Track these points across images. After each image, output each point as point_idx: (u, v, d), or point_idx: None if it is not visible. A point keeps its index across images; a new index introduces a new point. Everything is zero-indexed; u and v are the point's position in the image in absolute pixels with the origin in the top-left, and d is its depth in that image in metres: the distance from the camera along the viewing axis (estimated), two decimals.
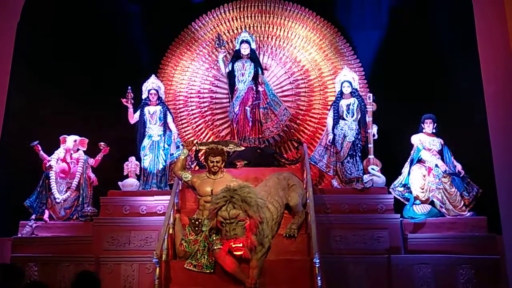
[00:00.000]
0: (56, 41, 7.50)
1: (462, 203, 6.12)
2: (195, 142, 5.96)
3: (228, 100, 7.30)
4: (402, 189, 6.30)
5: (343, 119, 6.60)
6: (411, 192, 6.23)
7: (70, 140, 6.77)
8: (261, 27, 7.88)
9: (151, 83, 6.93)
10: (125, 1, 8.38)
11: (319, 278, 4.46)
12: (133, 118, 6.79)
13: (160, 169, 6.63)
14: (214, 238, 4.85)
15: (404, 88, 7.31)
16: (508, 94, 5.55)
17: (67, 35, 7.63)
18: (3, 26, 6.36)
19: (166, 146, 6.74)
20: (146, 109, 6.82)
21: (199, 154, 6.83)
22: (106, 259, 5.70)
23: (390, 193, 6.19)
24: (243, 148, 6.29)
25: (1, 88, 6.49)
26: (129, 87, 6.71)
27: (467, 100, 6.63)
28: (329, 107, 6.97)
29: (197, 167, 6.76)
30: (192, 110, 7.81)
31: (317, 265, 4.51)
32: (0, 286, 2.75)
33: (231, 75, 7.12)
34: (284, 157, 7.08)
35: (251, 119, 6.94)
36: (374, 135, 6.59)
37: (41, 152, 6.63)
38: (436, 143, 6.40)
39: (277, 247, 5.10)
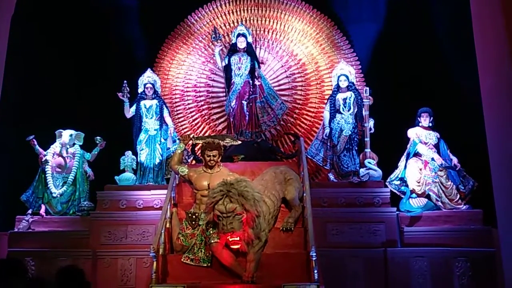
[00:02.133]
0: (51, 35, 7.45)
1: (458, 196, 6.15)
2: (191, 136, 5.95)
3: (224, 94, 7.29)
4: (398, 182, 6.32)
5: (340, 113, 6.60)
6: (407, 186, 6.25)
7: (66, 134, 6.74)
8: (257, 20, 7.85)
9: (147, 77, 6.89)
10: None
11: (315, 271, 4.48)
12: (129, 112, 6.76)
13: (156, 163, 6.61)
14: (211, 232, 4.85)
15: (400, 81, 7.32)
16: (503, 88, 5.56)
17: (63, 29, 7.57)
18: None
19: (162, 140, 6.71)
20: (142, 103, 6.78)
21: (196, 148, 6.82)
22: (103, 253, 5.71)
23: (386, 186, 6.21)
24: (239, 142, 6.28)
25: None
26: (125, 81, 6.68)
27: (463, 94, 6.66)
28: (325, 101, 6.97)
29: (193, 161, 6.75)
30: (188, 104, 7.79)
31: (313, 259, 4.53)
32: (2, 282, 2.71)
33: (227, 69, 7.09)
34: (280, 151, 7.09)
35: (247, 113, 6.92)
36: (370, 129, 6.61)
37: (37, 147, 6.60)
38: (432, 136, 6.41)
39: (274, 240, 5.11)
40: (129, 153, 6.77)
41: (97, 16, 7.84)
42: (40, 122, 7.04)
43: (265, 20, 7.84)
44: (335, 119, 6.59)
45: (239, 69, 7.00)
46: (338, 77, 6.74)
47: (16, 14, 6.61)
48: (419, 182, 6.24)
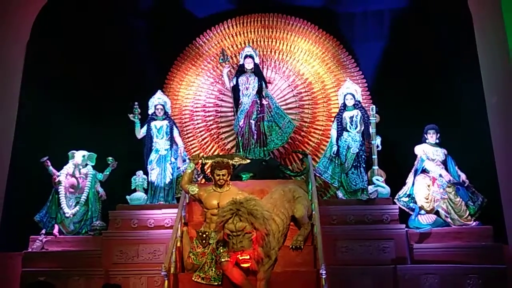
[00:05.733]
0: (64, 59, 7.66)
1: (468, 212, 6.13)
2: (201, 155, 6.04)
3: (233, 113, 7.40)
4: (407, 199, 6.33)
5: (347, 130, 6.67)
6: (415, 202, 6.26)
7: (79, 155, 6.89)
8: (264, 41, 8.01)
9: (157, 98, 7.03)
10: (131, 18, 8.55)
11: None
12: (140, 133, 6.89)
13: (167, 182, 6.70)
14: (221, 250, 4.90)
15: (406, 99, 7.39)
16: (509, 104, 5.62)
17: (75, 53, 7.79)
18: (14, 46, 6.54)
19: (173, 160, 6.82)
20: (153, 124, 6.92)
21: (205, 168, 6.90)
22: (115, 272, 5.75)
23: (395, 203, 6.22)
24: (248, 161, 6.35)
25: (12, 104, 6.67)
26: (136, 103, 6.82)
27: (470, 110, 6.69)
28: (332, 119, 7.05)
29: (203, 181, 6.83)
30: (197, 124, 7.92)
31: (323, 277, 4.54)
32: None
33: (235, 89, 7.22)
34: (289, 169, 7.14)
35: (255, 132, 7.02)
36: (378, 146, 6.64)
37: (51, 167, 6.74)
38: (439, 153, 6.44)
39: (283, 259, 5.14)
40: (140, 172, 6.87)
41: (109, 39, 8.05)
42: (54, 143, 7.19)
43: (272, 41, 8.00)
44: (342, 137, 6.66)
45: (246, 89, 7.13)
46: (345, 95, 6.83)
47: (32, 39, 6.87)
48: (427, 199, 6.25)
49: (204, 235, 5.20)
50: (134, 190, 6.79)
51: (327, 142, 7.25)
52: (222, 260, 4.84)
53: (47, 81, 7.47)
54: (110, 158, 6.96)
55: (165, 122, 6.94)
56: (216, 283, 4.92)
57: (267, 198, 5.61)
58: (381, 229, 5.82)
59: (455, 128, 6.76)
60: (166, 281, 4.79)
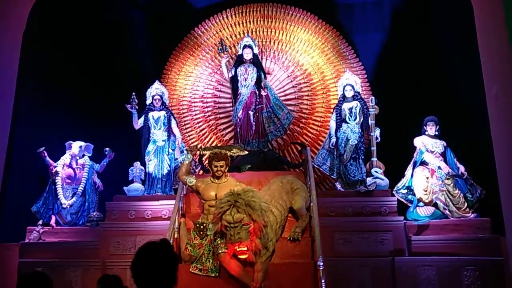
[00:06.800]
0: (61, 48, 7.60)
1: (466, 204, 6.13)
2: (199, 147, 6.01)
3: (231, 104, 7.36)
4: (405, 191, 6.32)
5: (346, 122, 6.63)
6: (414, 195, 6.25)
7: (76, 146, 6.85)
8: (263, 31, 7.94)
9: (155, 89, 6.99)
10: (129, 8, 8.46)
11: (323, 281, 4.49)
12: (138, 123, 6.85)
13: (164, 174, 6.68)
14: (219, 242, 4.89)
15: (406, 90, 7.34)
16: (509, 96, 5.58)
17: (73, 43, 7.72)
18: (9, 35, 6.47)
19: (170, 151, 6.79)
20: (150, 114, 6.88)
21: (203, 159, 6.88)
22: (112, 263, 5.75)
23: (393, 195, 6.21)
24: (246, 152, 6.32)
25: (8, 95, 6.61)
26: (133, 93, 6.78)
27: (469, 102, 6.65)
28: (332, 110, 7.01)
29: (201, 172, 6.81)
30: (195, 114, 7.87)
31: (321, 268, 4.55)
32: None
33: (234, 80, 7.17)
34: (287, 160, 7.12)
35: (254, 123, 6.98)
36: (377, 138, 6.62)
37: (47, 158, 6.71)
38: (439, 145, 6.41)
39: (281, 250, 5.13)
40: (137, 164, 6.85)
41: (106, 29, 7.98)
42: (50, 134, 7.15)
43: (271, 31, 7.93)
44: (341, 128, 6.62)
45: (245, 80, 7.07)
46: (344, 86, 6.78)
47: (28, 29, 6.78)
48: (426, 191, 6.23)
49: (202, 227, 5.19)
50: (132, 181, 6.78)
51: (326, 133, 7.21)
52: (220, 251, 4.84)
53: (44, 71, 7.40)
54: (107, 148, 6.93)
55: (163, 112, 6.90)
56: (213, 275, 4.92)
57: (265, 189, 5.60)
58: (379, 221, 5.84)
59: (454, 120, 6.72)
60: None
